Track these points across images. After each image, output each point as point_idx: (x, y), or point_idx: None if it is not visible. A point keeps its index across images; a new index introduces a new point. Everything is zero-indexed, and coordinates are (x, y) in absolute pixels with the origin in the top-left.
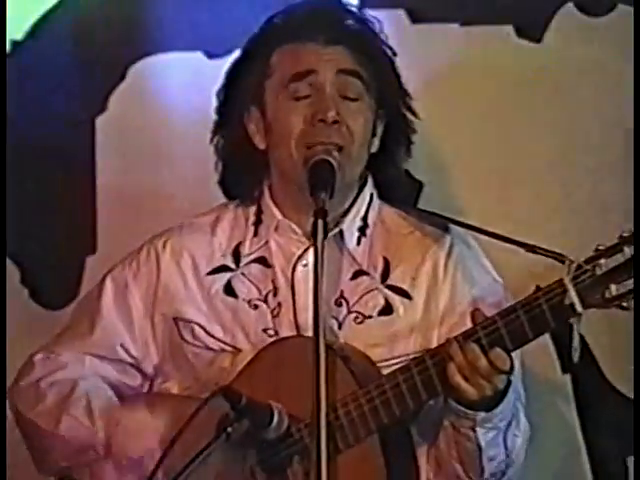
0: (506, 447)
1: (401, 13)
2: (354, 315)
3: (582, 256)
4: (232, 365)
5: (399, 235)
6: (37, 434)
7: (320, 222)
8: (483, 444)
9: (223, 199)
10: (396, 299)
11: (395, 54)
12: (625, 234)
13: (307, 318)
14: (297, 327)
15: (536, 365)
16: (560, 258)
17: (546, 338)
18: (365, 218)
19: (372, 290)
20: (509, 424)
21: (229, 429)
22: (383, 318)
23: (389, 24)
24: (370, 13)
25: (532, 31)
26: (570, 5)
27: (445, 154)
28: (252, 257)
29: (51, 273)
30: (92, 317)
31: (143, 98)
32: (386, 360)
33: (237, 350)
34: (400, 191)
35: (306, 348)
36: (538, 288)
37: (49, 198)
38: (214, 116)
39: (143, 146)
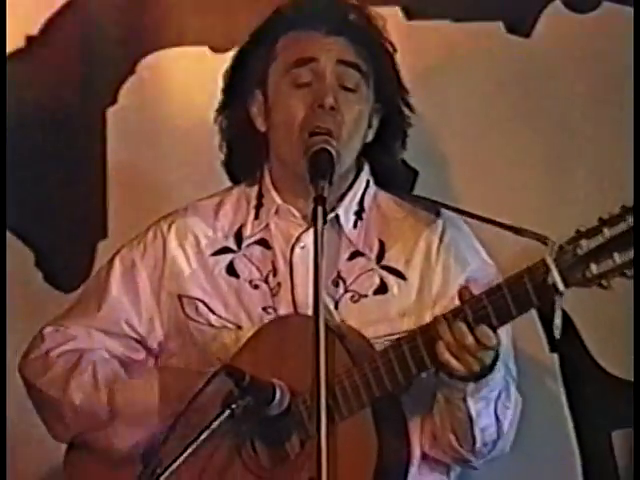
0: (497, 418)
1: (397, 10)
2: (350, 294)
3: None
4: (234, 341)
5: (394, 219)
6: (47, 402)
7: (320, 209)
8: (474, 414)
9: (225, 185)
10: (391, 279)
11: (395, 50)
12: (605, 217)
13: (305, 297)
14: (295, 306)
15: (525, 344)
16: (543, 239)
17: (535, 319)
18: (361, 202)
19: (368, 270)
20: (499, 395)
21: (233, 406)
22: (378, 297)
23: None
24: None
25: (521, 27)
26: (557, 2)
27: (438, 143)
28: (253, 239)
29: (64, 257)
30: (100, 294)
31: (151, 91)
32: (380, 337)
33: (238, 327)
34: (396, 179)
35: (305, 326)
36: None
37: (62, 186)
38: (220, 96)
39: (151, 136)
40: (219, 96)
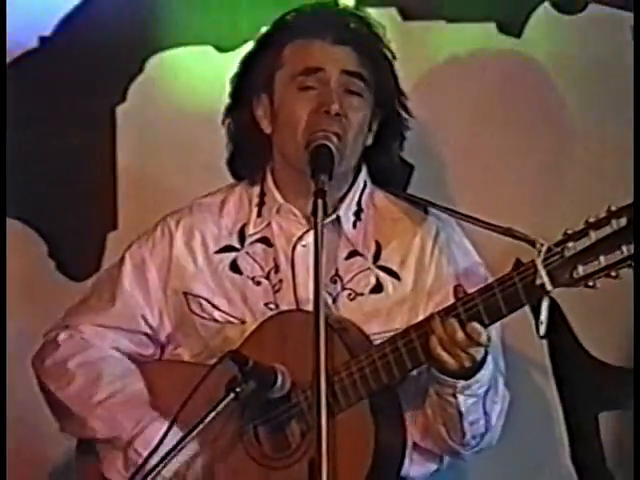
0: (485, 413)
1: (393, 11)
2: (347, 292)
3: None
4: (237, 335)
5: (390, 220)
6: (66, 412)
7: (320, 202)
8: (464, 410)
9: (228, 181)
10: (386, 279)
11: (395, 57)
12: (591, 219)
13: (306, 293)
14: (297, 301)
15: (515, 335)
16: (532, 241)
17: (524, 311)
18: (359, 203)
19: (365, 270)
20: (487, 392)
21: (237, 389)
22: (374, 296)
23: (383, 21)
24: (367, 11)
25: (512, 27)
26: (546, 4)
27: (434, 141)
28: (256, 237)
29: (76, 247)
30: (113, 291)
31: (159, 89)
32: (375, 334)
33: (242, 322)
34: (393, 177)
35: (305, 321)
36: (517, 265)
37: (74, 180)
38: (227, 100)
39: (159, 133)
40: (224, 95)
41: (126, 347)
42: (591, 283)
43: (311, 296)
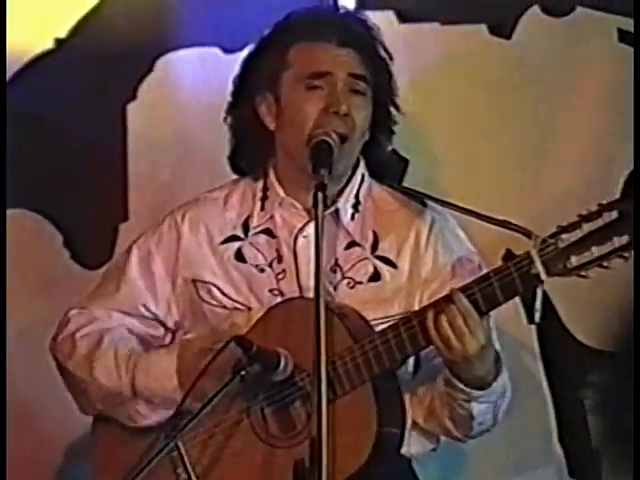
0: (494, 414)
1: (391, 14)
2: (347, 281)
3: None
4: (244, 321)
5: (387, 211)
6: (74, 381)
7: (320, 195)
8: (475, 414)
9: (231, 177)
10: (384, 268)
11: (392, 58)
12: (583, 213)
13: (308, 281)
14: (300, 289)
15: (506, 323)
16: (527, 233)
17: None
18: (357, 195)
19: (363, 259)
20: (499, 397)
21: (243, 372)
22: (372, 284)
23: (381, 24)
24: (366, 14)
25: (502, 29)
26: (536, 7)
27: (428, 137)
28: (259, 229)
29: (89, 237)
30: (118, 279)
31: (167, 88)
32: (374, 320)
33: (248, 309)
34: (388, 170)
35: (308, 307)
36: (509, 253)
37: (88, 174)
38: (229, 98)
39: (167, 129)
40: (228, 96)
41: (136, 327)
42: (583, 273)
43: (313, 284)
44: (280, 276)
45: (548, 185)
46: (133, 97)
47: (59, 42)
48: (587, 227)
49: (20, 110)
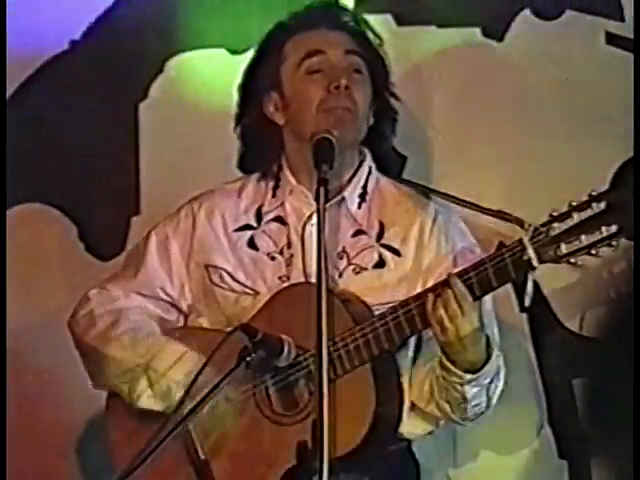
0: (488, 397)
1: (389, 17)
2: (353, 267)
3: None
4: (252, 305)
5: (393, 203)
6: (91, 355)
7: (322, 189)
8: (469, 397)
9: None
10: (388, 255)
11: (382, 43)
12: (574, 203)
13: (314, 268)
14: (305, 275)
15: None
16: (521, 222)
17: (506, 289)
18: (365, 187)
19: (369, 247)
20: (492, 380)
21: (248, 358)
22: (376, 271)
23: (379, 27)
24: (364, 17)
25: (495, 32)
26: (527, 11)
27: (423, 134)
28: (271, 216)
29: (103, 230)
30: (138, 263)
31: (177, 87)
32: (377, 305)
33: (256, 293)
34: (390, 163)
35: (312, 292)
36: (501, 245)
37: (102, 169)
38: (235, 108)
39: (177, 127)
40: (234, 100)
41: (152, 310)
42: (573, 260)
43: None
44: (288, 262)
45: (540, 179)
46: (144, 96)
47: (73, 44)
48: (577, 217)
49: (37, 109)
